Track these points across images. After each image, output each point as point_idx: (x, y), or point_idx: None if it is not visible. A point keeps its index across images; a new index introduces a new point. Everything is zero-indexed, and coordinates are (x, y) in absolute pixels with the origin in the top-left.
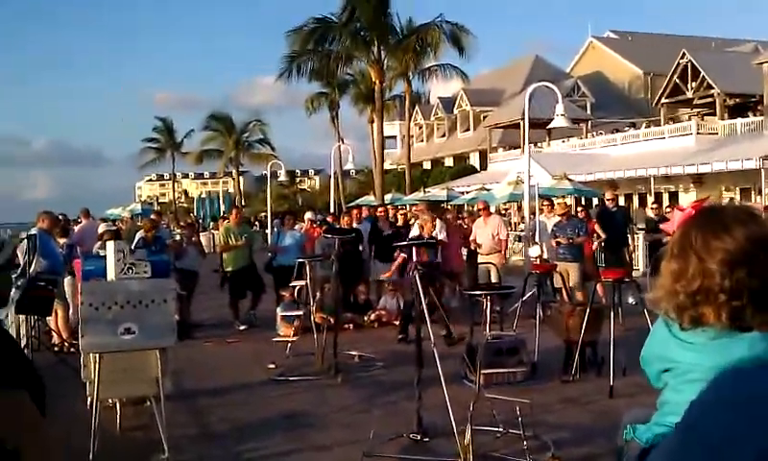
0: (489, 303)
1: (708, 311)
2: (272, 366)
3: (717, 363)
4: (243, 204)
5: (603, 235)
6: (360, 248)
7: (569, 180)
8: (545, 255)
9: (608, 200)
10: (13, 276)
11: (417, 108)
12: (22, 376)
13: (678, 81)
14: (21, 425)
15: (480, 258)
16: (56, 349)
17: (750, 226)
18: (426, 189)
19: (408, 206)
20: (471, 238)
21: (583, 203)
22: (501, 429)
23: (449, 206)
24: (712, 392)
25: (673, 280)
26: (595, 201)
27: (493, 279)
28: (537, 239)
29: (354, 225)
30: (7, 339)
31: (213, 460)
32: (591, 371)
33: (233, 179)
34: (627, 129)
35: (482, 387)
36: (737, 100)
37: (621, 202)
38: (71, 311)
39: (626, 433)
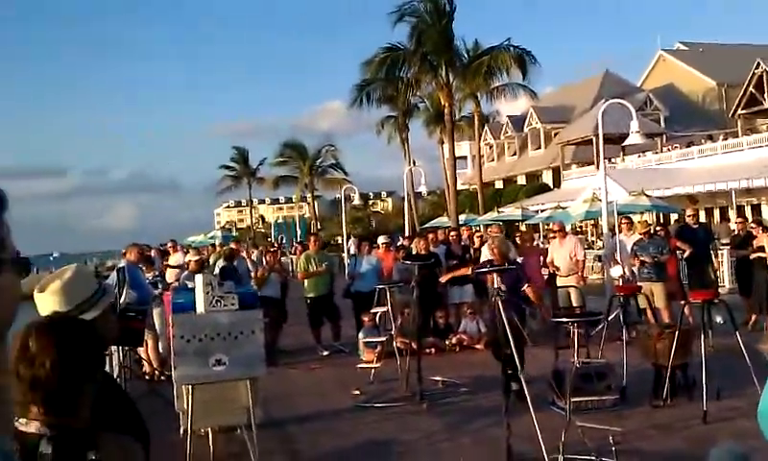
0: (576, 330)
1: None
2: (356, 392)
3: None
4: (319, 227)
5: (688, 250)
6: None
7: (647, 195)
8: (627, 275)
9: (688, 216)
10: None
11: (486, 127)
12: (131, 423)
13: (754, 91)
14: None
15: (559, 281)
16: (147, 377)
17: None
18: (500, 209)
19: (482, 227)
20: (549, 261)
21: (661, 220)
22: (594, 458)
23: (523, 227)
24: None
25: None
26: (674, 217)
27: (574, 303)
28: (617, 259)
29: (432, 249)
30: (118, 389)
31: None
32: (683, 395)
33: (308, 203)
34: (703, 141)
35: (571, 414)
36: None
37: (702, 217)
38: (160, 341)
39: None
